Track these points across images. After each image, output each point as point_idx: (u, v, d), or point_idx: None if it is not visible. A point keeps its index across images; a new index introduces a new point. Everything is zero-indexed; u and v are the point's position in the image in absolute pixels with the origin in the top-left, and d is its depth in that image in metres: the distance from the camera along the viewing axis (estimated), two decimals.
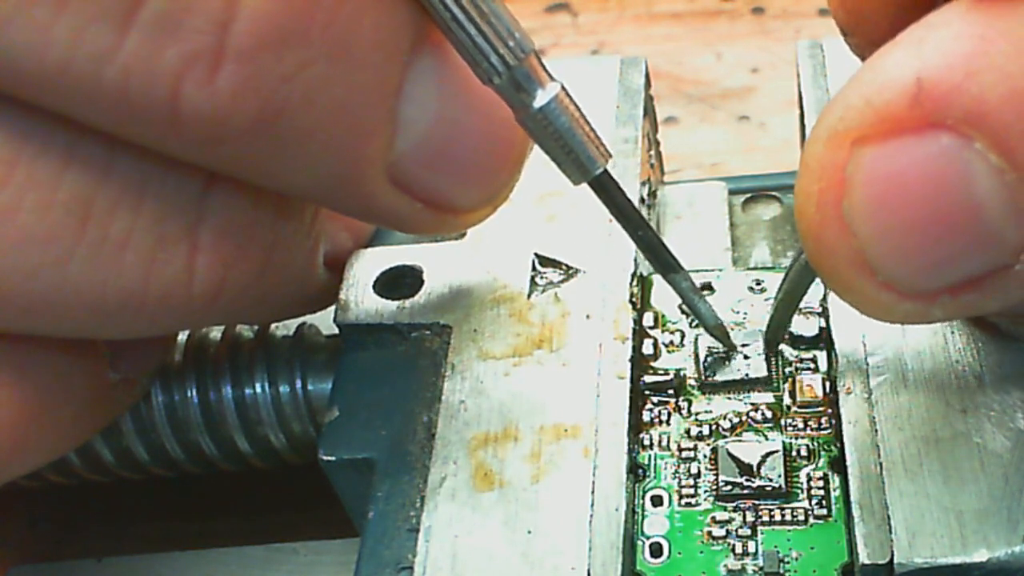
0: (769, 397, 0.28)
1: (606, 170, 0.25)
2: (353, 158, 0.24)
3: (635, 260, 0.30)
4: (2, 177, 0.22)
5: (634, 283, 0.29)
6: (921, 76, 0.19)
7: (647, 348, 0.29)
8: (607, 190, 0.26)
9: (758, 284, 0.30)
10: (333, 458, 0.28)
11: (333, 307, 0.30)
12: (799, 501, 0.26)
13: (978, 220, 0.20)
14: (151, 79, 0.21)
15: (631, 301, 0.29)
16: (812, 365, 0.28)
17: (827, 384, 0.28)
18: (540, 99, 0.24)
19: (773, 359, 0.28)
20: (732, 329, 0.29)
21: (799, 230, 0.21)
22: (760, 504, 0.26)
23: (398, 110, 0.24)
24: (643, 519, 0.26)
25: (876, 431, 0.25)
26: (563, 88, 0.24)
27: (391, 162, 0.24)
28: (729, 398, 0.28)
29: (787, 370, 0.28)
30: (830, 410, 0.27)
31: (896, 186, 0.20)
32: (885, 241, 0.20)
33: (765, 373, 0.28)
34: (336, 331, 0.30)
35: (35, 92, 0.22)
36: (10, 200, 0.22)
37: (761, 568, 0.25)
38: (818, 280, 0.28)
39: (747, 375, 0.28)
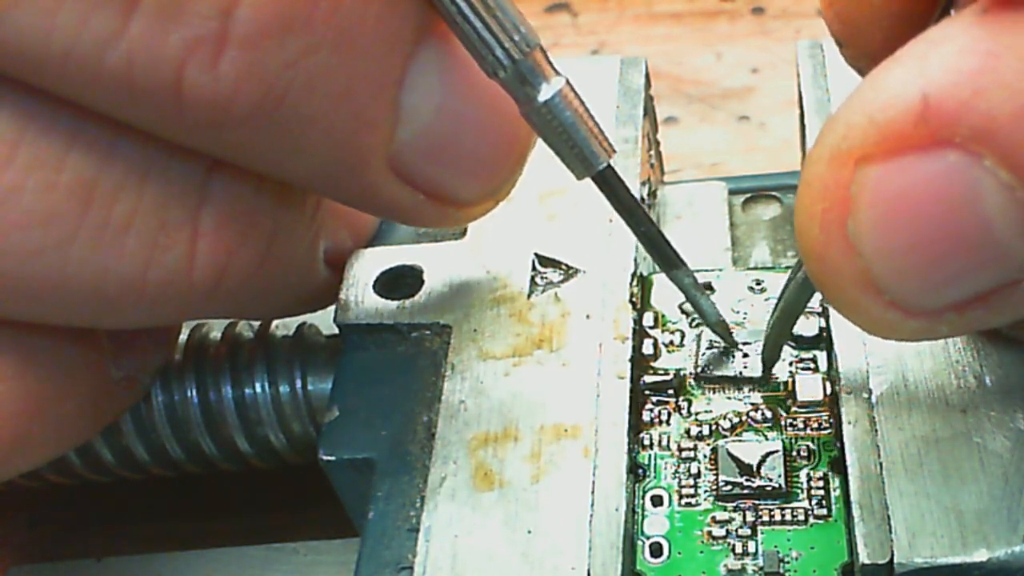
0: (768, 397, 0.28)
1: (610, 165, 0.25)
2: (354, 147, 0.24)
3: (635, 260, 0.30)
4: (5, 157, 0.22)
5: (634, 283, 0.29)
6: (927, 93, 0.19)
7: (647, 348, 0.29)
8: (610, 185, 0.26)
9: (758, 284, 0.30)
10: (333, 458, 0.28)
11: (333, 307, 0.30)
12: (799, 501, 0.26)
13: (987, 237, 0.20)
14: (154, 64, 0.21)
15: (631, 301, 0.29)
16: (812, 365, 0.28)
17: (827, 384, 0.28)
18: (545, 93, 0.24)
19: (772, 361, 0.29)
20: (732, 329, 0.29)
21: (801, 250, 0.21)
22: (760, 504, 0.26)
23: (400, 100, 0.24)
24: (643, 519, 0.26)
25: (876, 431, 0.25)
26: (568, 82, 0.24)
27: (393, 152, 0.24)
28: (729, 398, 0.28)
29: (787, 370, 0.28)
30: (830, 410, 0.27)
31: (902, 204, 0.20)
32: (892, 260, 0.20)
33: (761, 373, 0.28)
34: (336, 331, 0.30)
35: (39, 76, 0.22)
36: (13, 180, 0.22)
37: (761, 568, 0.25)
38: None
39: (741, 373, 0.28)
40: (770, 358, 0.28)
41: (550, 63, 0.24)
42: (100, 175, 0.23)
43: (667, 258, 0.27)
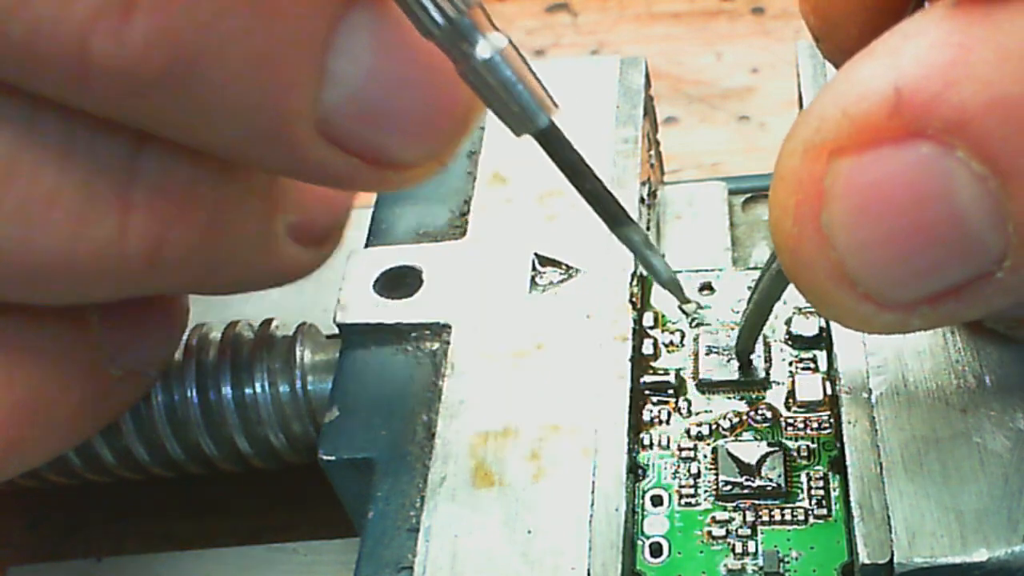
0: (769, 397, 0.28)
1: (552, 122, 0.24)
2: (276, 112, 0.23)
3: (635, 260, 0.30)
4: None
5: (634, 283, 0.29)
6: (899, 85, 0.19)
7: (647, 348, 0.29)
8: (553, 145, 0.24)
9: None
10: (333, 458, 0.28)
11: (333, 307, 0.30)
12: (799, 501, 0.26)
13: (960, 229, 0.20)
14: (59, 31, 0.21)
15: (631, 301, 0.29)
16: (812, 365, 0.28)
17: (827, 384, 0.28)
18: (483, 52, 0.23)
19: (770, 361, 0.28)
20: (732, 329, 0.29)
21: (775, 243, 0.21)
22: (760, 504, 0.26)
23: (326, 63, 0.23)
24: (643, 519, 0.26)
25: (876, 431, 0.25)
26: (510, 42, 0.23)
27: (320, 116, 0.24)
28: (729, 398, 0.28)
29: (787, 370, 0.28)
30: (830, 410, 0.27)
31: (876, 197, 0.20)
32: (865, 253, 0.20)
33: (762, 376, 0.28)
34: (336, 331, 0.30)
35: None
36: None
37: (761, 568, 0.25)
38: None
39: (741, 377, 0.28)
40: (744, 350, 0.28)
41: (490, 20, 0.23)
42: (20, 151, 0.23)
43: (614, 215, 0.26)
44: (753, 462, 0.26)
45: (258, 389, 0.32)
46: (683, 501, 0.26)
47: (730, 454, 0.27)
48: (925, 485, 0.24)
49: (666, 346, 0.29)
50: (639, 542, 0.26)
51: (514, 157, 0.32)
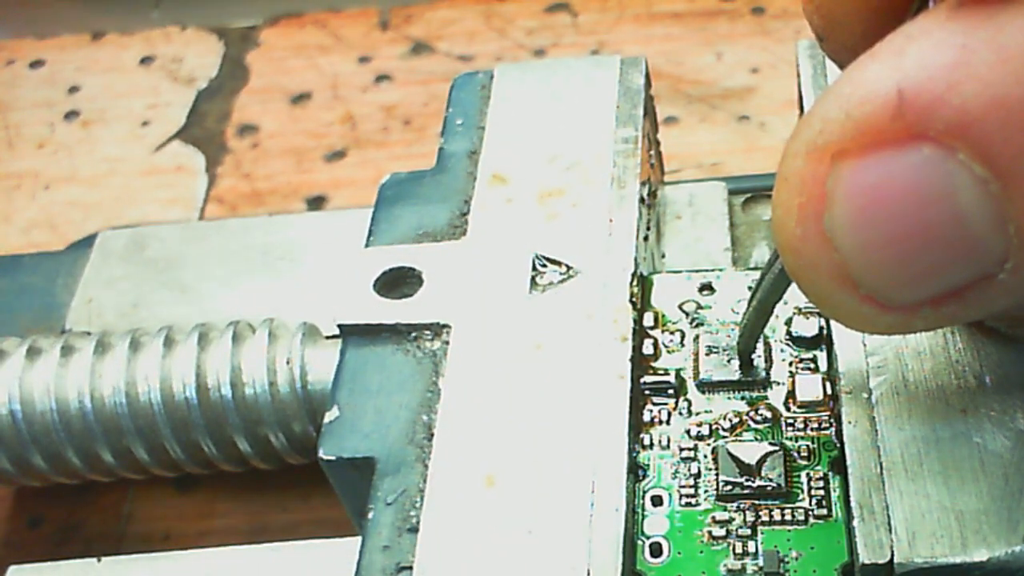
0: (769, 397, 0.28)
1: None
2: None
3: (635, 260, 0.30)
4: None
5: (634, 283, 0.29)
6: (902, 88, 0.19)
7: (647, 348, 0.29)
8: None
9: None
10: (333, 458, 0.28)
11: (333, 307, 0.30)
12: (799, 501, 0.26)
13: (962, 231, 0.20)
14: None
15: (631, 301, 0.29)
16: (812, 365, 0.28)
17: (827, 384, 0.28)
18: None
19: (770, 361, 0.28)
20: (732, 328, 0.29)
21: (777, 244, 0.21)
22: (760, 504, 0.26)
23: None
24: (643, 519, 0.26)
25: (876, 431, 0.25)
26: None
27: None
28: (729, 398, 0.28)
29: (787, 370, 0.28)
30: (830, 410, 0.27)
31: (879, 199, 0.20)
32: (868, 254, 0.20)
33: (763, 376, 0.28)
34: (336, 331, 0.30)
35: None
36: None
37: (761, 568, 0.25)
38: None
39: (742, 377, 0.28)
40: (745, 350, 0.28)
41: None
42: None
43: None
44: (753, 462, 0.26)
45: (258, 389, 0.32)
46: (683, 501, 0.26)
47: (730, 454, 0.27)
48: (925, 485, 0.24)
49: (666, 346, 0.29)
50: (639, 542, 0.26)
51: (514, 157, 0.32)
